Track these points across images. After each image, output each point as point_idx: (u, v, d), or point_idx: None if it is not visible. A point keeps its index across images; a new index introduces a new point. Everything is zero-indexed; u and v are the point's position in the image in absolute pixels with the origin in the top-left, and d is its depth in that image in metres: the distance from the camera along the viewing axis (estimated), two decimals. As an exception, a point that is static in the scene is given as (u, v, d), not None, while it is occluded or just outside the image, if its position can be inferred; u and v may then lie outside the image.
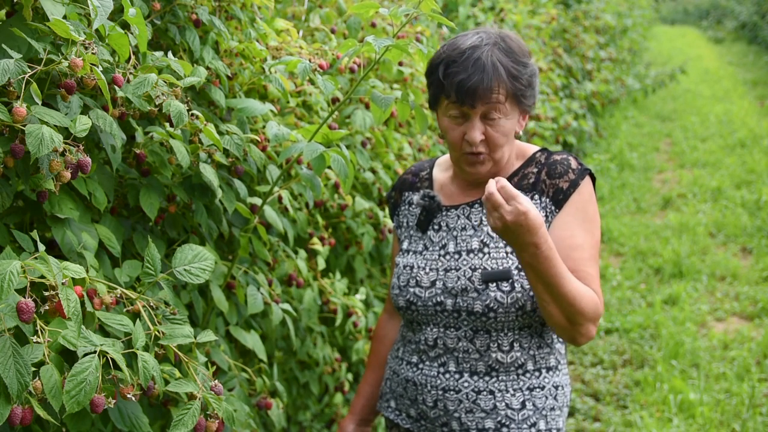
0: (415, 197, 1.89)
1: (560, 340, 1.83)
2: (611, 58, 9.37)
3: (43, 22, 1.35)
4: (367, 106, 2.36)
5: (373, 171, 2.60)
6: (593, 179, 1.78)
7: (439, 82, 1.70)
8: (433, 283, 1.77)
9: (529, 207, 1.53)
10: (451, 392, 1.76)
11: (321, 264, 2.33)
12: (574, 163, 1.75)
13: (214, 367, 1.49)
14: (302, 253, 2.25)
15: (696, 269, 5.62)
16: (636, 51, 13.51)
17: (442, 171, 1.91)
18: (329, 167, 2.14)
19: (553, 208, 1.73)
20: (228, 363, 1.88)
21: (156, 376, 1.26)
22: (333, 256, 2.59)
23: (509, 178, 1.78)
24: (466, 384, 1.75)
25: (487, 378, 1.75)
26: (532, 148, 1.83)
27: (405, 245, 1.87)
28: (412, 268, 1.81)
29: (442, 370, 1.77)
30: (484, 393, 1.74)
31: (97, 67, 1.32)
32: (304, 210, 2.25)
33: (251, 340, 1.93)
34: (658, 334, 4.64)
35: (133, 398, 1.23)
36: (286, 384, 2.52)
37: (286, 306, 2.04)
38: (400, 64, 2.56)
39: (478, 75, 1.65)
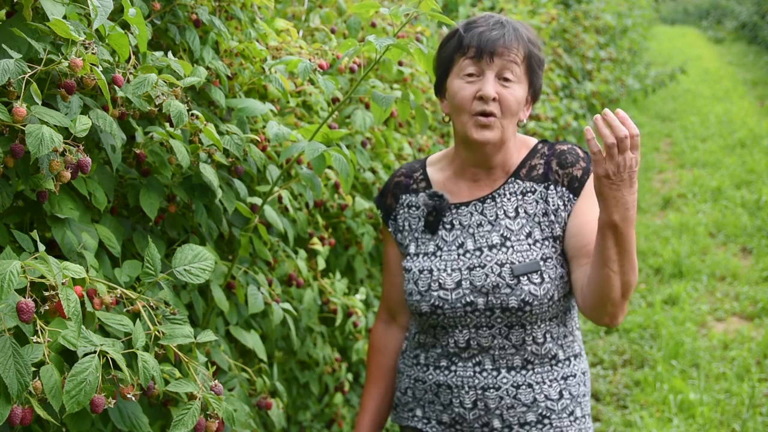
0: (420, 199, 1.85)
1: (578, 327, 1.84)
2: (611, 58, 9.36)
3: (43, 22, 1.35)
4: (367, 106, 2.36)
5: (373, 171, 2.60)
6: None
7: (458, 41, 1.72)
8: (458, 284, 1.73)
9: None
10: (491, 390, 1.74)
11: (321, 264, 2.33)
12: (581, 152, 1.77)
13: (214, 367, 1.49)
14: (302, 253, 2.25)
15: (696, 269, 5.62)
16: (636, 51, 13.50)
17: (438, 170, 1.88)
18: (329, 167, 2.14)
19: (571, 196, 1.73)
20: (228, 363, 1.88)
21: (156, 376, 1.26)
22: (333, 256, 2.59)
23: (517, 170, 1.78)
24: (504, 380, 1.74)
25: (524, 372, 1.74)
26: (532, 140, 1.84)
27: (412, 249, 1.83)
28: (430, 271, 1.76)
29: (478, 369, 1.75)
30: (524, 387, 1.74)
31: (97, 67, 1.32)
32: (304, 210, 2.25)
33: (251, 340, 1.93)
34: (658, 334, 4.63)
35: (133, 398, 1.23)
36: (286, 384, 2.52)
37: (287, 306, 2.03)
38: (400, 63, 2.56)
39: (498, 30, 1.69)
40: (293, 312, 2.07)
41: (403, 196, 1.90)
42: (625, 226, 1.54)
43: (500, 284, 1.70)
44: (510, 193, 1.77)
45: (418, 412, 1.85)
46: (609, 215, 1.54)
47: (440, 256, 1.77)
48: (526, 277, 1.69)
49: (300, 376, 2.53)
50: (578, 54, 7.52)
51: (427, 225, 1.82)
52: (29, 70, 1.26)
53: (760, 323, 4.75)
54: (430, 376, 1.81)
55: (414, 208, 1.87)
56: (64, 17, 1.33)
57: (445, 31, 3.70)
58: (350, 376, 2.85)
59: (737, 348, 4.41)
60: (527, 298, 1.68)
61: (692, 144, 9.44)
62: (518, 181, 1.77)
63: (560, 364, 1.77)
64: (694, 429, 3.59)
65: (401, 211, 1.89)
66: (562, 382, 1.77)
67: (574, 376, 1.79)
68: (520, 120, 1.75)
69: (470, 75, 1.70)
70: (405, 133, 2.94)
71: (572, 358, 1.80)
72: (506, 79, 1.68)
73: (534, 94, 1.77)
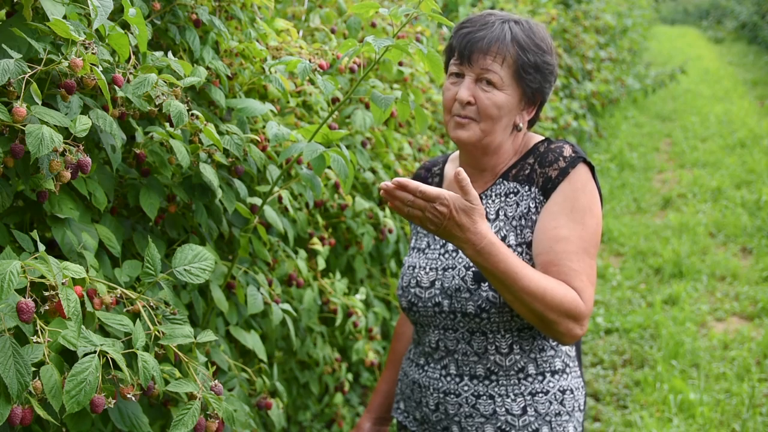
0: None
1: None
2: (611, 58, 9.37)
3: (43, 22, 1.35)
4: (367, 106, 2.36)
5: (373, 171, 2.60)
6: (592, 169, 1.68)
7: (450, 41, 1.71)
8: (432, 283, 1.73)
9: (443, 192, 1.46)
10: (452, 396, 1.72)
11: (321, 264, 2.33)
12: (567, 151, 1.67)
13: (214, 367, 1.49)
14: (302, 253, 2.25)
15: (696, 269, 5.62)
16: (636, 51, 13.51)
17: (454, 167, 1.85)
18: (329, 167, 2.14)
19: (541, 198, 1.65)
20: (228, 363, 1.88)
21: (156, 376, 1.26)
22: (333, 256, 2.59)
23: (507, 171, 1.73)
24: (465, 387, 1.71)
25: (486, 382, 1.70)
26: (535, 139, 1.76)
27: (412, 243, 1.85)
28: (414, 268, 1.78)
29: (444, 372, 1.74)
30: (484, 397, 1.70)
31: (97, 67, 1.32)
32: (304, 210, 2.25)
33: (251, 340, 1.93)
34: (658, 334, 4.63)
35: (133, 398, 1.23)
36: (286, 384, 2.52)
37: (286, 306, 2.03)
38: (400, 64, 2.56)
39: (484, 31, 1.66)
40: (293, 312, 2.07)
41: None
42: (483, 259, 1.50)
43: (461, 288, 1.66)
44: (495, 195, 1.72)
45: (402, 405, 1.87)
46: (463, 251, 1.51)
47: (426, 254, 1.78)
48: (487, 283, 1.63)
49: (300, 376, 2.53)
50: (578, 54, 7.52)
51: None
52: (29, 70, 1.26)
53: (760, 323, 4.75)
54: (411, 372, 1.83)
55: None
56: (64, 17, 1.33)
57: (445, 31, 3.70)
58: (350, 376, 2.85)
59: (737, 348, 4.41)
60: (484, 305, 1.64)
61: (692, 144, 9.44)
62: (505, 182, 1.72)
63: (530, 379, 1.70)
64: (694, 429, 3.59)
65: None
66: (528, 397, 1.69)
67: (546, 393, 1.70)
68: (515, 124, 1.70)
69: (454, 75, 1.69)
70: (405, 133, 2.94)
71: (548, 374, 1.71)
72: (485, 82, 1.65)
73: (530, 99, 1.69)
